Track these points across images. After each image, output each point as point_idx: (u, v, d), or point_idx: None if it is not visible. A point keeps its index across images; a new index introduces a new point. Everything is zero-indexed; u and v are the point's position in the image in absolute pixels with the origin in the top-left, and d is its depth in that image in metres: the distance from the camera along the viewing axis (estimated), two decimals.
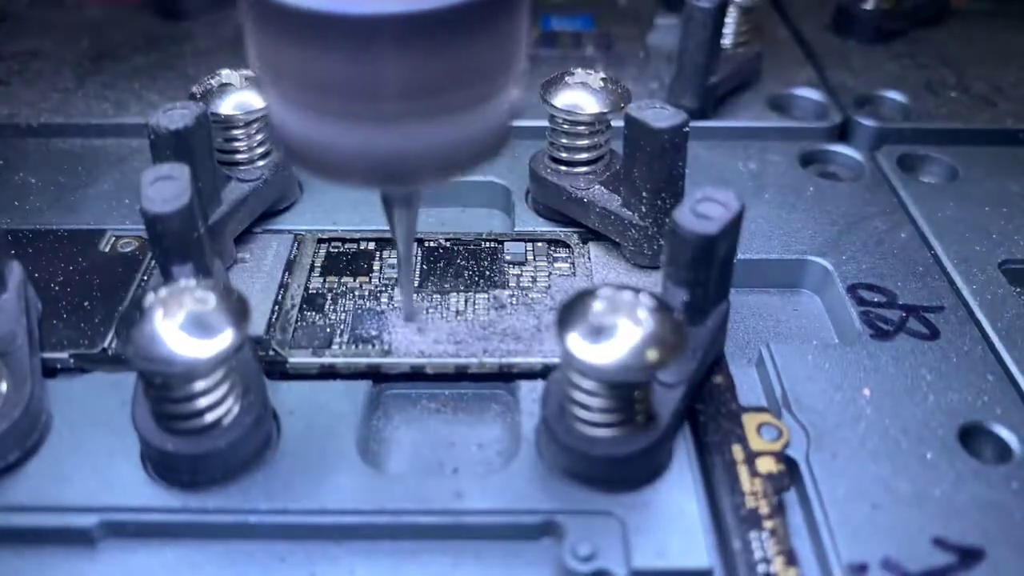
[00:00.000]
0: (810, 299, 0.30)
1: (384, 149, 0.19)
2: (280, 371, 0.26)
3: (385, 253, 0.30)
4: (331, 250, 0.30)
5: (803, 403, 0.25)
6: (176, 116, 0.27)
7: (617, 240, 0.29)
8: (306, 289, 0.28)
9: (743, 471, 0.23)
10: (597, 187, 0.30)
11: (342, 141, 0.19)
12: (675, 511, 0.22)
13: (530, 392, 0.25)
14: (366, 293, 0.28)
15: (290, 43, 0.18)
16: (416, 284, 0.28)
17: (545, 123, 0.31)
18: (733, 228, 0.23)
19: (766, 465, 0.23)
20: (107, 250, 0.30)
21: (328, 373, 0.26)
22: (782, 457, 0.23)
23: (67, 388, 0.25)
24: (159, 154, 0.27)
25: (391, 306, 0.27)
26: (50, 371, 0.25)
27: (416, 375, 0.26)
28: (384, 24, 0.17)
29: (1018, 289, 0.29)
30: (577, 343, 0.21)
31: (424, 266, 0.29)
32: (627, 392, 0.22)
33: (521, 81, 0.21)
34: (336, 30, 0.18)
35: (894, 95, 0.39)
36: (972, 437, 0.24)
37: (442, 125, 0.19)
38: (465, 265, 0.29)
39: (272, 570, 0.22)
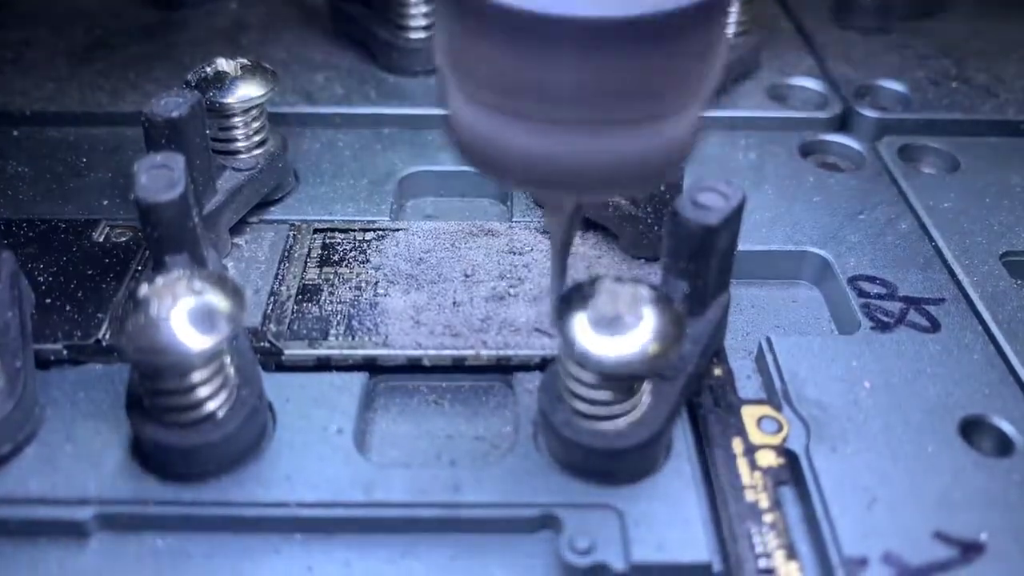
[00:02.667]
0: (810, 291, 0.30)
1: (566, 155, 0.18)
2: (276, 363, 0.26)
3: (380, 244, 0.29)
4: (327, 240, 0.30)
5: (803, 396, 0.24)
6: (170, 104, 0.26)
7: (614, 231, 0.29)
8: (302, 280, 0.28)
9: (743, 464, 0.23)
10: None
11: (522, 142, 0.18)
12: (674, 504, 0.22)
13: (528, 384, 0.25)
14: (363, 284, 0.28)
15: (495, 44, 0.17)
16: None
17: None
18: (734, 219, 0.23)
19: (766, 458, 0.23)
20: (101, 240, 0.29)
21: (324, 365, 0.25)
22: (782, 450, 0.23)
23: (60, 380, 0.25)
24: (153, 143, 0.26)
25: (388, 296, 0.27)
26: (43, 363, 0.25)
27: (413, 367, 0.26)
28: (603, 29, 0.17)
29: (1019, 281, 0.29)
30: (575, 335, 0.20)
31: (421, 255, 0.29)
32: (626, 384, 0.22)
33: (707, 101, 0.20)
34: (553, 32, 0.17)
35: (895, 85, 0.38)
36: (973, 430, 0.24)
37: (631, 136, 0.18)
38: (462, 255, 0.29)
39: (267, 563, 0.21)
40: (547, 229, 0.23)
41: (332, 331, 0.26)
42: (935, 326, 0.27)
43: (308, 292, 0.27)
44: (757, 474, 0.23)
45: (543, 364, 0.25)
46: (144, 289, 0.21)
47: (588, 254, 0.29)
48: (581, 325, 0.21)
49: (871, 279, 0.28)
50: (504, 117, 0.18)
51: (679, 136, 0.19)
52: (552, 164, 0.19)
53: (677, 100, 0.18)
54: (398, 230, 0.30)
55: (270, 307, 0.27)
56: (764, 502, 0.22)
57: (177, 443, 0.22)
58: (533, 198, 0.23)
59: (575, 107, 0.18)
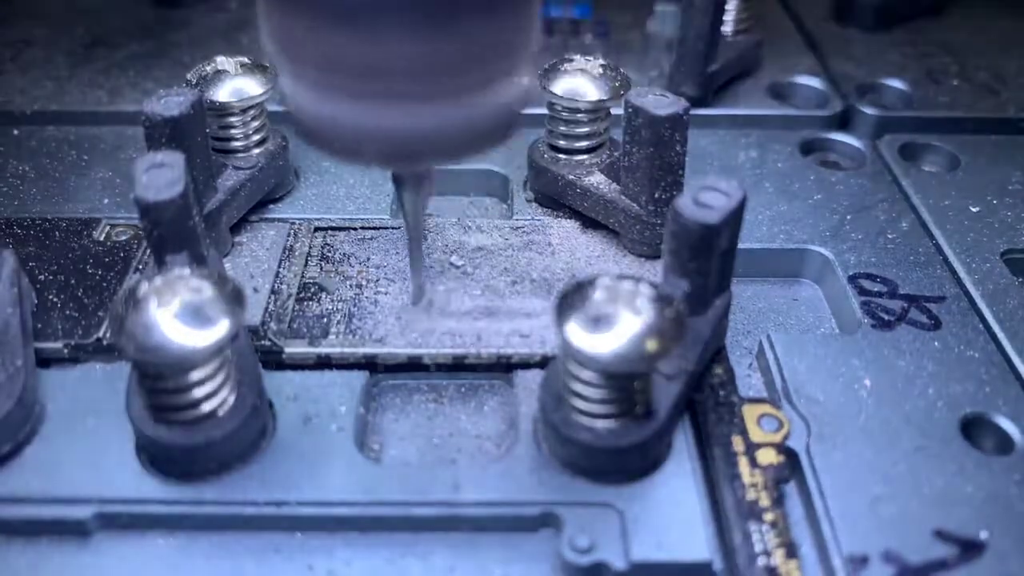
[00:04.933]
0: (811, 289, 0.30)
1: (394, 129, 0.20)
2: (276, 361, 0.25)
3: (382, 241, 0.29)
4: (328, 239, 0.30)
5: (804, 394, 0.24)
6: (171, 103, 0.26)
7: (616, 229, 0.29)
8: (302, 278, 0.28)
9: (743, 462, 0.23)
10: (596, 175, 0.30)
11: (354, 120, 0.20)
12: (674, 503, 0.22)
13: (528, 382, 0.25)
14: (363, 282, 0.28)
15: (303, 20, 0.18)
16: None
17: (544, 111, 0.30)
18: (735, 217, 0.23)
19: (766, 456, 0.23)
20: (102, 239, 0.29)
21: (324, 363, 0.25)
22: (782, 448, 0.23)
23: (61, 378, 0.25)
24: (153, 142, 0.26)
25: (388, 295, 0.27)
26: (44, 361, 0.25)
27: (413, 365, 0.26)
28: (395, 1, 0.17)
29: (1020, 279, 0.29)
30: (576, 333, 0.20)
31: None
32: (626, 383, 0.22)
33: (533, 67, 0.21)
34: (348, 7, 0.18)
35: (896, 83, 0.38)
36: (974, 428, 0.24)
37: (453, 105, 0.19)
38: (462, 253, 0.29)
39: (268, 562, 0.21)
40: (401, 204, 0.24)
41: (333, 329, 0.26)
42: (936, 324, 0.27)
43: (309, 290, 0.27)
44: (757, 472, 0.23)
45: (544, 362, 0.25)
46: (144, 287, 0.21)
47: (589, 252, 0.29)
48: (581, 323, 0.21)
49: (872, 277, 0.28)
50: (339, 96, 0.19)
51: (508, 102, 0.20)
52: (393, 138, 0.20)
53: (499, 68, 0.20)
54: (398, 228, 0.30)
55: (270, 305, 0.27)
56: (765, 500, 0.22)
57: (177, 442, 0.22)
58: (392, 175, 0.24)
59: (405, 80, 0.19)
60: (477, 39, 0.19)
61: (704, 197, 0.23)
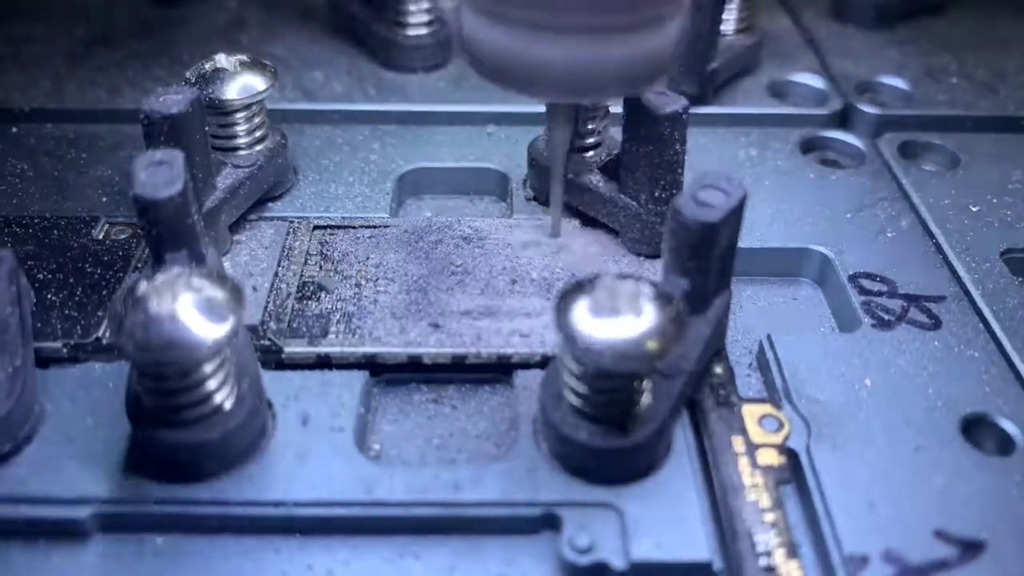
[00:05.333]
0: (810, 288, 0.30)
1: (569, 61, 0.22)
2: (276, 361, 0.25)
3: (382, 240, 0.29)
4: (327, 237, 0.29)
5: (804, 394, 0.24)
6: (169, 101, 0.26)
7: (615, 227, 0.29)
8: (301, 277, 0.28)
9: (743, 463, 0.23)
10: (595, 173, 0.29)
11: (531, 51, 0.22)
12: (674, 503, 0.22)
13: (528, 382, 0.25)
14: (362, 281, 0.28)
15: None
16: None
17: (543, 108, 0.30)
18: (735, 216, 0.23)
19: (767, 457, 0.23)
20: (101, 237, 0.29)
21: (324, 363, 0.25)
22: (783, 449, 0.23)
23: (60, 378, 0.25)
24: (152, 140, 0.26)
25: (388, 294, 0.27)
26: (43, 361, 0.25)
27: (413, 365, 0.26)
28: None
29: (1020, 278, 0.29)
30: (576, 332, 0.20)
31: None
32: (626, 382, 0.22)
33: (686, 10, 0.24)
34: None
35: (895, 82, 0.38)
36: (974, 428, 0.24)
37: (625, 42, 0.22)
38: (463, 252, 0.29)
39: (267, 563, 0.21)
40: (550, 138, 0.27)
41: (332, 329, 0.26)
42: (936, 324, 0.27)
43: (308, 289, 0.27)
44: (758, 473, 0.23)
45: (544, 362, 0.25)
46: (143, 286, 0.21)
47: (589, 251, 0.29)
48: (581, 322, 0.21)
49: (872, 276, 0.28)
50: (520, 29, 0.22)
51: (666, 43, 0.23)
52: (563, 71, 0.22)
53: (664, 9, 0.23)
54: (398, 227, 0.30)
55: (270, 304, 0.27)
56: (765, 501, 0.22)
57: (176, 442, 0.22)
58: (548, 109, 0.27)
59: (583, 13, 0.21)
60: None
61: (704, 195, 0.23)
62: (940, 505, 0.22)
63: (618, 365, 0.20)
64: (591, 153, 0.30)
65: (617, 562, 0.21)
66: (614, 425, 0.22)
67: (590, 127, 0.30)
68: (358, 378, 0.25)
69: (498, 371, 0.26)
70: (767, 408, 0.24)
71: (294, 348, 0.25)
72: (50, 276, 0.27)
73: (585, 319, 0.21)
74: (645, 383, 0.22)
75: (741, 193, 0.23)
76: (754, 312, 0.29)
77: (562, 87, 0.23)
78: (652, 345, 0.20)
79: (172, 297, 0.20)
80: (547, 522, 0.22)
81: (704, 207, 0.23)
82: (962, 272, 0.28)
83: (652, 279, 0.22)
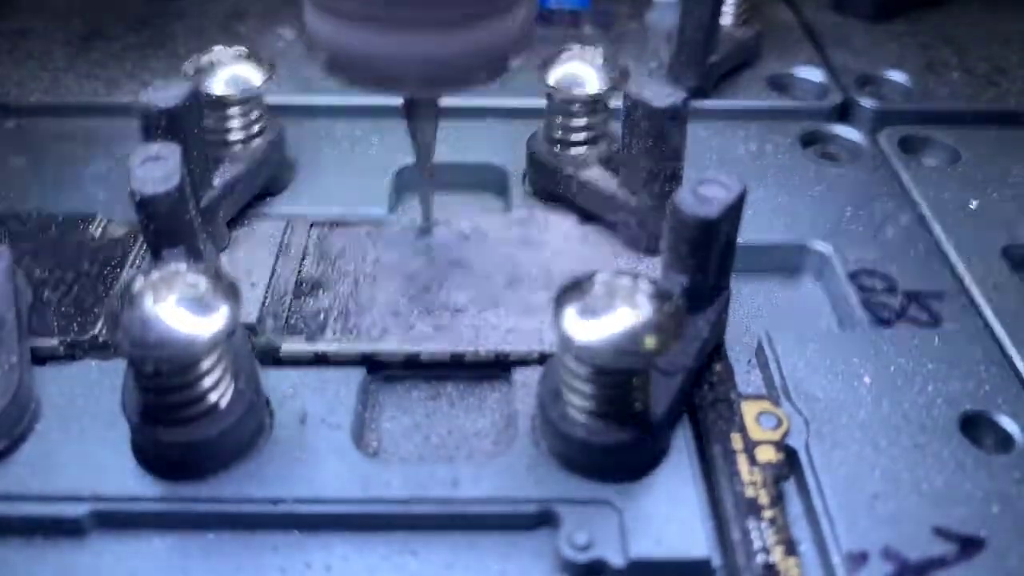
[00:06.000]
0: (810, 285, 0.30)
1: (423, 55, 0.22)
2: (273, 358, 0.25)
3: (380, 236, 0.29)
4: (324, 234, 0.29)
5: (803, 391, 0.24)
6: (166, 94, 0.26)
7: (615, 222, 0.29)
8: (299, 274, 0.28)
9: (742, 460, 0.23)
10: (595, 168, 0.29)
11: (386, 47, 0.22)
12: (673, 500, 0.22)
13: (526, 380, 0.25)
14: (360, 278, 0.28)
15: None
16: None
17: (542, 103, 0.30)
18: (735, 211, 0.23)
19: (765, 454, 0.23)
20: (98, 235, 0.29)
21: (322, 360, 0.25)
22: (782, 446, 0.23)
23: (56, 375, 0.25)
24: (149, 133, 0.26)
25: (386, 291, 0.27)
26: (40, 358, 0.25)
27: (411, 363, 0.25)
28: None
29: (1021, 275, 0.29)
30: (574, 329, 0.20)
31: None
32: (625, 379, 0.22)
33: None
34: None
35: (896, 75, 0.38)
36: (973, 425, 0.24)
37: (475, 31, 0.22)
38: (461, 248, 0.29)
39: (265, 560, 0.21)
40: (411, 132, 0.26)
41: (330, 326, 0.26)
42: (936, 320, 0.27)
43: (305, 287, 0.27)
44: (756, 470, 0.22)
45: (542, 359, 0.25)
46: (139, 283, 0.21)
47: (588, 247, 0.29)
48: (579, 319, 0.20)
49: (871, 273, 0.28)
50: (359, 23, 0.22)
51: (512, 28, 0.23)
52: (405, 63, 0.22)
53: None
54: (396, 223, 0.30)
55: (267, 302, 0.27)
56: (763, 498, 0.22)
57: (173, 440, 0.21)
58: (405, 103, 0.26)
59: (437, 7, 0.21)
60: None
61: (703, 191, 0.23)
62: (939, 502, 0.22)
63: (616, 362, 0.20)
64: (591, 148, 0.30)
65: (615, 559, 0.21)
66: (612, 422, 0.22)
67: (585, 122, 0.30)
68: (356, 375, 0.25)
69: (496, 368, 0.26)
70: (766, 405, 0.24)
71: (292, 345, 0.25)
72: (47, 273, 0.27)
73: (583, 316, 0.20)
74: (643, 380, 0.22)
75: (740, 189, 0.23)
76: (753, 308, 0.29)
77: (409, 82, 0.23)
78: (650, 342, 0.20)
79: (168, 294, 0.20)
80: (545, 519, 0.22)
81: (703, 203, 0.22)
82: (962, 268, 0.28)
83: (651, 276, 0.22)
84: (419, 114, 0.25)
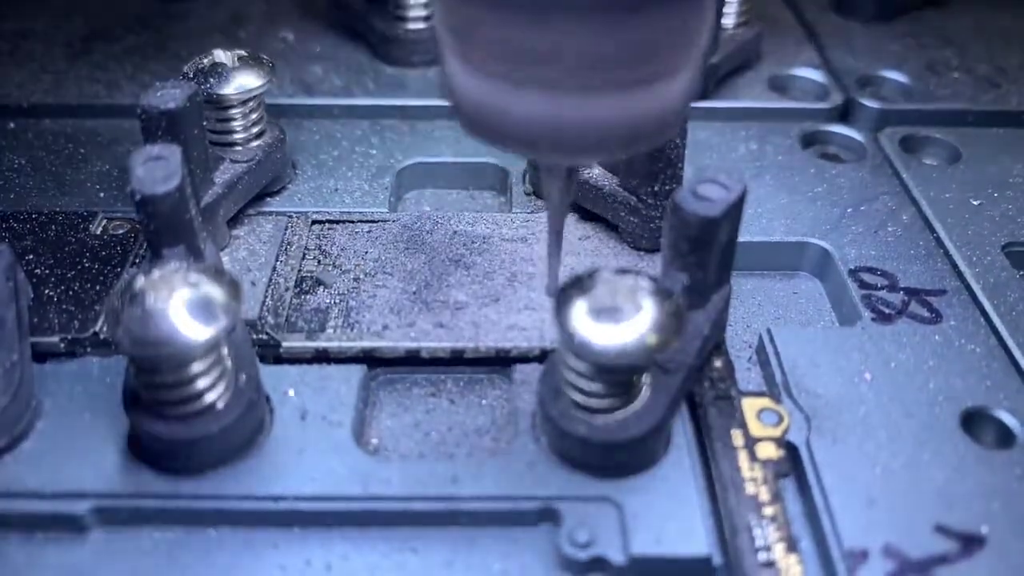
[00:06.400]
0: (811, 282, 0.30)
1: (560, 120, 0.19)
2: (274, 355, 0.25)
3: (380, 234, 0.29)
4: (325, 232, 0.29)
5: (803, 388, 0.24)
6: (167, 96, 0.26)
7: (615, 222, 0.29)
8: (300, 272, 0.28)
9: (743, 457, 0.23)
10: (595, 168, 0.29)
11: (529, 111, 0.19)
12: (674, 497, 0.22)
13: (527, 376, 0.25)
14: (361, 276, 0.28)
15: (498, 11, 0.18)
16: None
17: None
18: (735, 210, 0.23)
19: (766, 451, 0.23)
20: (99, 232, 0.29)
21: (322, 357, 0.25)
22: (782, 443, 0.23)
23: (57, 373, 0.25)
24: (150, 135, 0.26)
25: (386, 288, 0.27)
26: (40, 356, 0.25)
27: (411, 359, 0.25)
28: None
29: (1021, 272, 0.29)
30: (574, 327, 0.20)
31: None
32: (625, 376, 0.22)
33: (698, 65, 0.20)
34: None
35: (896, 75, 0.38)
36: (974, 422, 0.24)
37: (624, 99, 0.19)
38: (461, 247, 0.29)
39: (266, 557, 0.21)
40: (545, 194, 0.24)
41: (330, 323, 0.26)
42: (936, 317, 0.27)
43: (306, 284, 0.27)
44: (757, 467, 0.22)
45: (542, 356, 0.25)
46: (140, 281, 0.21)
47: (588, 246, 0.29)
48: (580, 316, 0.20)
49: (872, 270, 0.28)
50: (506, 84, 0.19)
51: (671, 99, 0.20)
52: (552, 129, 0.19)
53: (667, 63, 0.19)
54: (396, 222, 0.30)
55: (268, 299, 0.27)
56: (764, 495, 0.22)
57: (174, 436, 0.21)
58: (542, 165, 0.23)
59: (575, 72, 0.18)
60: (654, 33, 0.18)
61: (704, 190, 0.23)
62: (940, 499, 0.22)
63: (616, 360, 0.20)
64: None
65: (616, 556, 0.21)
66: (613, 419, 0.22)
67: None
68: (356, 372, 0.25)
69: (497, 365, 0.26)
70: (766, 402, 0.24)
71: (292, 342, 0.25)
72: (48, 271, 0.27)
73: (584, 314, 0.21)
74: (644, 377, 0.22)
75: (741, 188, 0.23)
76: (754, 306, 0.29)
77: (552, 147, 0.20)
78: (651, 340, 0.20)
79: (169, 292, 0.20)
80: (546, 516, 0.22)
81: (704, 202, 0.22)
82: (963, 266, 0.28)
83: (651, 274, 0.22)
84: (552, 179, 0.23)
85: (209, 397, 0.22)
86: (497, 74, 0.19)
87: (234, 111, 0.29)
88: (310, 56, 0.39)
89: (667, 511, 0.22)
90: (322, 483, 0.22)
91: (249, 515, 0.22)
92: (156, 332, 0.20)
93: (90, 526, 0.22)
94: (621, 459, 0.22)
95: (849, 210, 0.31)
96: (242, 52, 0.30)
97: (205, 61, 0.29)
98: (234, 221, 0.29)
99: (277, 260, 0.28)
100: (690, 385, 0.24)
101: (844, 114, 0.36)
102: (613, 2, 0.18)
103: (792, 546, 0.21)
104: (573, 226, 0.30)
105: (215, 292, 0.21)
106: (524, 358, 0.25)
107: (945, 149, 0.35)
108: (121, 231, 0.29)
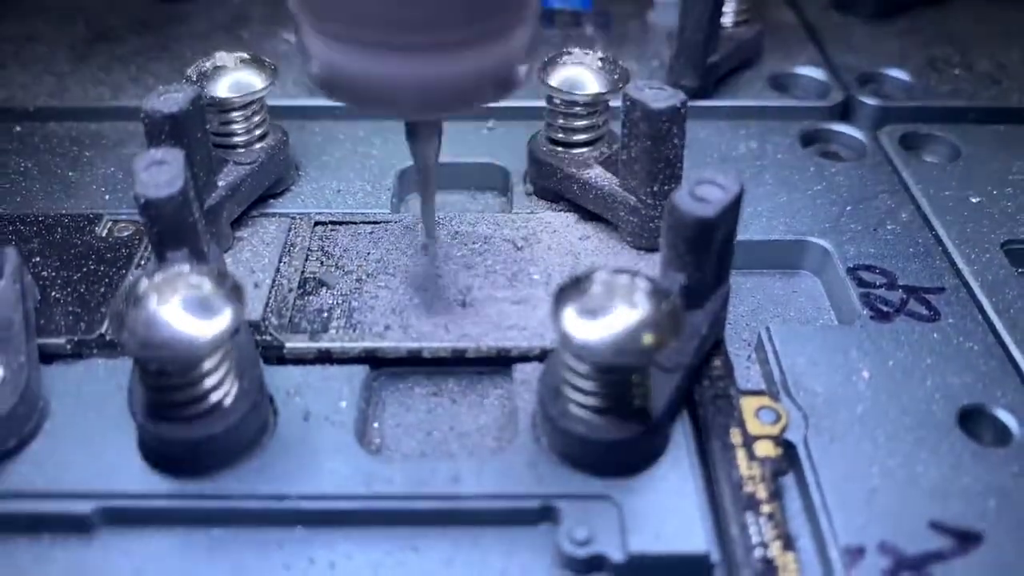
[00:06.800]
0: (810, 280, 0.30)
1: (415, 79, 0.21)
2: (277, 356, 0.26)
3: (383, 235, 0.29)
4: (328, 233, 0.30)
5: (802, 386, 0.24)
6: (170, 100, 0.26)
7: (615, 222, 0.29)
8: (303, 273, 0.28)
9: (741, 455, 0.23)
10: (595, 168, 0.30)
11: (377, 71, 0.21)
12: (672, 495, 0.22)
13: (527, 376, 0.25)
14: (363, 276, 0.28)
15: None
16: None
17: (543, 103, 0.30)
18: (732, 211, 0.23)
19: (764, 449, 0.23)
20: (104, 235, 0.29)
21: (325, 358, 0.26)
22: (780, 441, 0.23)
23: (64, 374, 0.25)
24: (154, 138, 0.27)
25: (389, 289, 0.27)
26: (47, 357, 0.25)
27: (413, 359, 0.26)
28: None
29: (1020, 270, 0.29)
30: (573, 327, 0.21)
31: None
32: (624, 376, 0.22)
33: (535, 20, 0.23)
34: None
35: (897, 73, 0.38)
36: (972, 420, 0.24)
37: (473, 55, 0.21)
38: (463, 247, 0.29)
39: (269, 556, 0.22)
40: (413, 154, 0.25)
41: (333, 324, 0.26)
42: (935, 315, 0.27)
43: (309, 285, 0.27)
44: (755, 464, 0.23)
45: (542, 356, 0.25)
46: (144, 284, 0.21)
47: (589, 245, 0.29)
48: (578, 316, 0.21)
49: (871, 268, 0.28)
50: (358, 48, 0.21)
51: (514, 53, 0.22)
52: (406, 87, 0.21)
53: (507, 19, 0.22)
54: (399, 223, 0.30)
55: (271, 300, 0.27)
56: (762, 492, 0.22)
57: (180, 437, 0.22)
58: (406, 125, 0.25)
59: (422, 30, 0.21)
60: None
61: (701, 191, 0.23)
62: (937, 496, 0.22)
63: (614, 360, 0.21)
64: (591, 148, 0.30)
65: (615, 554, 0.21)
66: (612, 419, 0.22)
67: (585, 123, 0.30)
68: (358, 373, 0.25)
69: (498, 365, 0.26)
70: (765, 400, 0.24)
71: (295, 343, 0.26)
72: (54, 273, 0.28)
73: (583, 314, 0.21)
74: (643, 376, 0.22)
75: (737, 188, 0.23)
76: (753, 304, 0.29)
77: (409, 105, 0.22)
78: (648, 340, 0.20)
79: (173, 295, 0.21)
80: (546, 515, 0.22)
81: (700, 202, 0.23)
82: (962, 264, 0.29)
83: (649, 273, 0.22)
84: (420, 136, 0.25)
85: (213, 398, 0.22)
86: (350, 38, 0.21)
87: (237, 113, 0.30)
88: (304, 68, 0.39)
89: (665, 509, 0.22)
90: (325, 483, 0.22)
91: (253, 515, 0.22)
92: (160, 335, 0.20)
93: (96, 526, 0.22)
94: (620, 458, 0.22)
95: (848, 208, 0.31)
96: (244, 54, 0.30)
97: (207, 64, 0.30)
98: (237, 222, 0.30)
99: (280, 261, 0.28)
100: (689, 384, 0.24)
101: (845, 112, 0.37)
102: None
103: (789, 543, 0.21)
104: (573, 226, 0.30)
105: (218, 295, 0.21)
106: (524, 358, 0.25)
107: (945, 146, 0.35)
108: (126, 233, 0.29)
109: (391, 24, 0.20)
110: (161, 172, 0.23)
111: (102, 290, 0.27)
